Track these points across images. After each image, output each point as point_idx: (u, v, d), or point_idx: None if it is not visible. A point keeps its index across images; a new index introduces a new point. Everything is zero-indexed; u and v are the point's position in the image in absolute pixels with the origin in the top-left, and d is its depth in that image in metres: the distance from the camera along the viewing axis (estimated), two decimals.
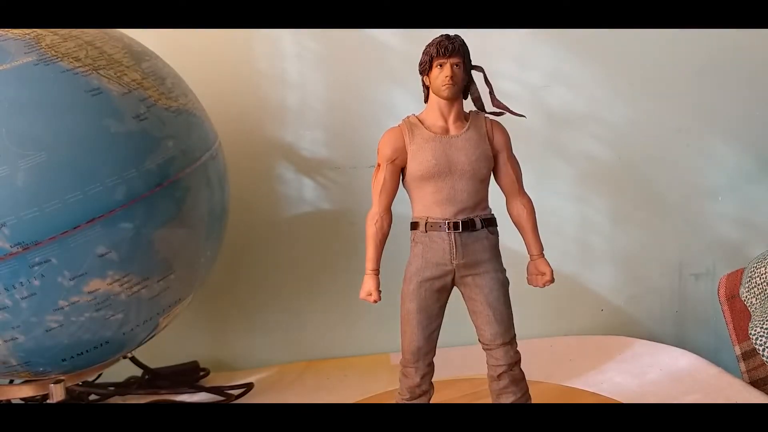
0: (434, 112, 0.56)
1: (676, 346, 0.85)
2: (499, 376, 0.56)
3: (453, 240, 0.55)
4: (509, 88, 0.89)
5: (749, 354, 0.77)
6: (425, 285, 0.55)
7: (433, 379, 0.58)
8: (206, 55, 0.87)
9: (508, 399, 0.56)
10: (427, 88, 0.57)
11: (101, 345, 0.60)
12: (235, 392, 0.79)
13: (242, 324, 0.93)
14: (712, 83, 0.92)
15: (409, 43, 0.86)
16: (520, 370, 0.57)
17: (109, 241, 0.55)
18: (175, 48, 0.76)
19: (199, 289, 0.70)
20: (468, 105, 0.58)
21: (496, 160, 0.57)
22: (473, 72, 0.57)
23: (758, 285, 0.75)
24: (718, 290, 0.82)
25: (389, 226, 0.57)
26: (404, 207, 0.58)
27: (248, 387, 0.81)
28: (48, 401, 0.63)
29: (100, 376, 0.76)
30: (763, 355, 0.68)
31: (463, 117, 0.57)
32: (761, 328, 0.69)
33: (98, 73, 0.57)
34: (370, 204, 0.57)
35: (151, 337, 0.66)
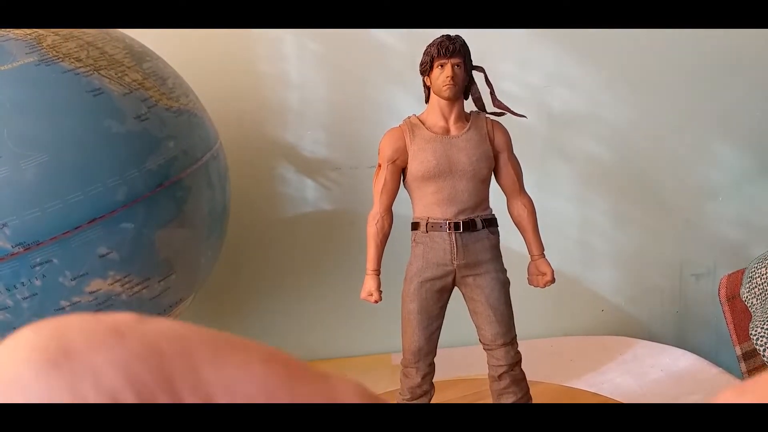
0: (435, 113, 0.56)
1: (677, 347, 0.85)
2: (500, 376, 0.56)
3: (454, 240, 0.55)
4: (510, 88, 0.89)
5: (750, 354, 0.77)
6: (426, 285, 0.55)
7: (434, 380, 0.58)
8: (207, 56, 0.87)
9: (509, 399, 0.56)
10: (427, 89, 0.57)
11: None
12: None
13: (243, 324, 0.93)
14: (712, 83, 0.92)
15: (410, 43, 0.86)
16: (521, 370, 0.57)
17: (111, 241, 0.55)
18: (176, 48, 0.76)
19: (200, 290, 0.70)
20: (469, 105, 0.58)
21: (496, 160, 0.57)
22: (474, 72, 0.57)
23: (759, 285, 0.75)
24: (719, 291, 0.82)
25: (390, 227, 0.57)
26: (405, 207, 0.58)
27: None
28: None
29: None
30: (763, 356, 0.68)
31: (464, 117, 0.57)
32: (762, 328, 0.69)
33: (99, 73, 0.57)
34: (371, 204, 0.57)
35: None
